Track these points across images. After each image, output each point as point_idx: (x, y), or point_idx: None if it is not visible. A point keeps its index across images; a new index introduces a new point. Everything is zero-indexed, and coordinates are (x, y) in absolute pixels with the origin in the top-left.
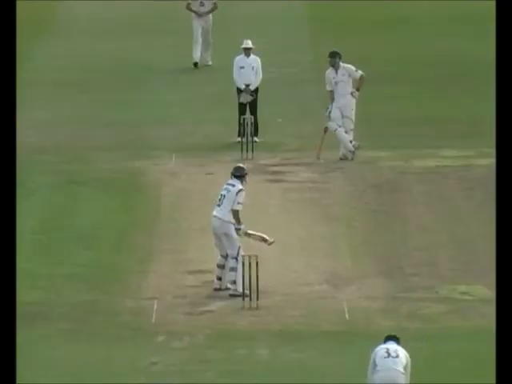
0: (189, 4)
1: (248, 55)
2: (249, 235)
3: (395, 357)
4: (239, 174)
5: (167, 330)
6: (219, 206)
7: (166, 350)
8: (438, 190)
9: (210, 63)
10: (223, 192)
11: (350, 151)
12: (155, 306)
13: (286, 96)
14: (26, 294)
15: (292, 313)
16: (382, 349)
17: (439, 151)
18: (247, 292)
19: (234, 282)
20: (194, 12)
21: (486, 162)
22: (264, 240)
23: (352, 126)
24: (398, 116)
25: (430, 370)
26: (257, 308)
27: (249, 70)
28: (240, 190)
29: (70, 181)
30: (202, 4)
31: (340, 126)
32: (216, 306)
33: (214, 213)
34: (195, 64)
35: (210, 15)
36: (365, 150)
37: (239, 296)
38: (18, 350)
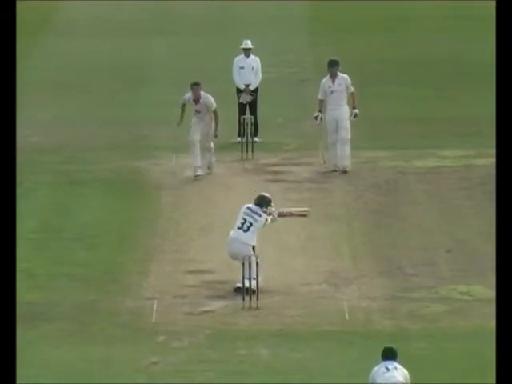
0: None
1: (248, 55)
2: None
3: (395, 369)
4: (262, 203)
5: (167, 330)
6: (244, 230)
7: (166, 349)
8: (438, 190)
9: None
10: (247, 217)
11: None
12: (155, 306)
13: (286, 96)
14: (25, 294)
15: (292, 313)
16: (380, 367)
17: (439, 151)
18: (251, 289)
19: (254, 279)
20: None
21: (486, 161)
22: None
23: (348, 136)
24: (398, 116)
25: (430, 369)
26: (257, 308)
27: (248, 70)
28: (265, 220)
29: (70, 181)
30: (197, 112)
31: (335, 142)
32: (216, 305)
33: (236, 235)
34: (197, 175)
35: (213, 122)
36: (365, 150)
37: (243, 290)
38: (18, 350)
